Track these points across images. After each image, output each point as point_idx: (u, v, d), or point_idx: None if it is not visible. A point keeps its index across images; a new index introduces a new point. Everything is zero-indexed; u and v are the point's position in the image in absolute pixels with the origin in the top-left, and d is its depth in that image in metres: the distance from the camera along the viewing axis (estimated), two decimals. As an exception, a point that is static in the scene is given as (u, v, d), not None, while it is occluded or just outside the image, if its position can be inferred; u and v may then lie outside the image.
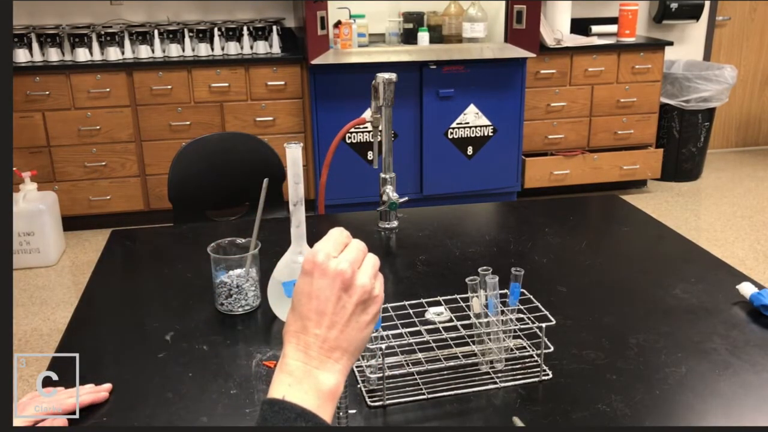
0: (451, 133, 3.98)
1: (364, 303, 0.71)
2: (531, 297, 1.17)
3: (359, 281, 0.71)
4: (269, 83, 3.85)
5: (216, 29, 3.92)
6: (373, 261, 0.74)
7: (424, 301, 1.22)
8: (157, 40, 3.86)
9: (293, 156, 1.21)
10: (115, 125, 3.78)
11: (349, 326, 0.70)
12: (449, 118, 3.96)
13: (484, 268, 1.13)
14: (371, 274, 0.72)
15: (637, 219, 1.89)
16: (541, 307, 1.14)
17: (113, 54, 3.79)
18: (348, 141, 3.85)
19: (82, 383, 1.05)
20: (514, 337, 1.17)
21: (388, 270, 1.59)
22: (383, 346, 1.04)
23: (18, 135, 3.68)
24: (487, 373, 1.12)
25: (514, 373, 1.12)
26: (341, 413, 0.99)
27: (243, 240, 1.36)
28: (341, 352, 0.70)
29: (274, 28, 3.96)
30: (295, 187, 1.23)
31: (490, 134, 4.03)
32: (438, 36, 4.07)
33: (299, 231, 1.28)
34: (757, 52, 5.25)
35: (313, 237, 1.35)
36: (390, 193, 1.73)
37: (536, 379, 1.10)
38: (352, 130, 3.80)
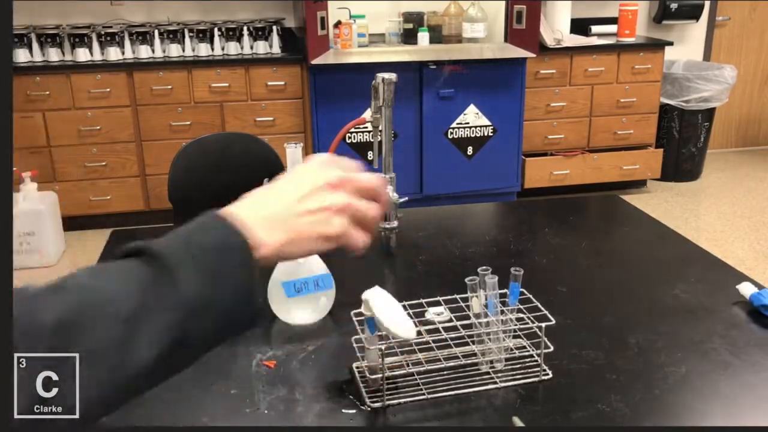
0: (451, 133, 3.98)
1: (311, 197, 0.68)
2: (531, 297, 1.17)
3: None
4: (269, 83, 3.85)
5: (216, 29, 3.92)
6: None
7: (424, 301, 1.22)
8: (157, 40, 3.86)
9: (293, 156, 1.21)
10: (116, 125, 3.78)
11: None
12: (449, 118, 3.96)
13: (484, 268, 1.13)
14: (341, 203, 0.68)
15: (637, 219, 1.89)
16: (540, 306, 1.14)
17: (113, 54, 3.79)
18: (348, 141, 3.85)
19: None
20: (514, 337, 1.17)
21: (388, 270, 1.59)
22: (383, 346, 1.04)
23: (18, 135, 3.68)
24: (487, 373, 1.12)
25: (514, 373, 1.12)
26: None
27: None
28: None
29: (274, 28, 3.96)
30: (295, 187, 1.23)
31: (490, 134, 4.03)
32: (438, 36, 4.07)
33: (299, 231, 1.28)
34: (757, 52, 5.25)
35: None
36: (390, 193, 1.73)
37: (536, 379, 1.10)
38: (352, 130, 3.80)
